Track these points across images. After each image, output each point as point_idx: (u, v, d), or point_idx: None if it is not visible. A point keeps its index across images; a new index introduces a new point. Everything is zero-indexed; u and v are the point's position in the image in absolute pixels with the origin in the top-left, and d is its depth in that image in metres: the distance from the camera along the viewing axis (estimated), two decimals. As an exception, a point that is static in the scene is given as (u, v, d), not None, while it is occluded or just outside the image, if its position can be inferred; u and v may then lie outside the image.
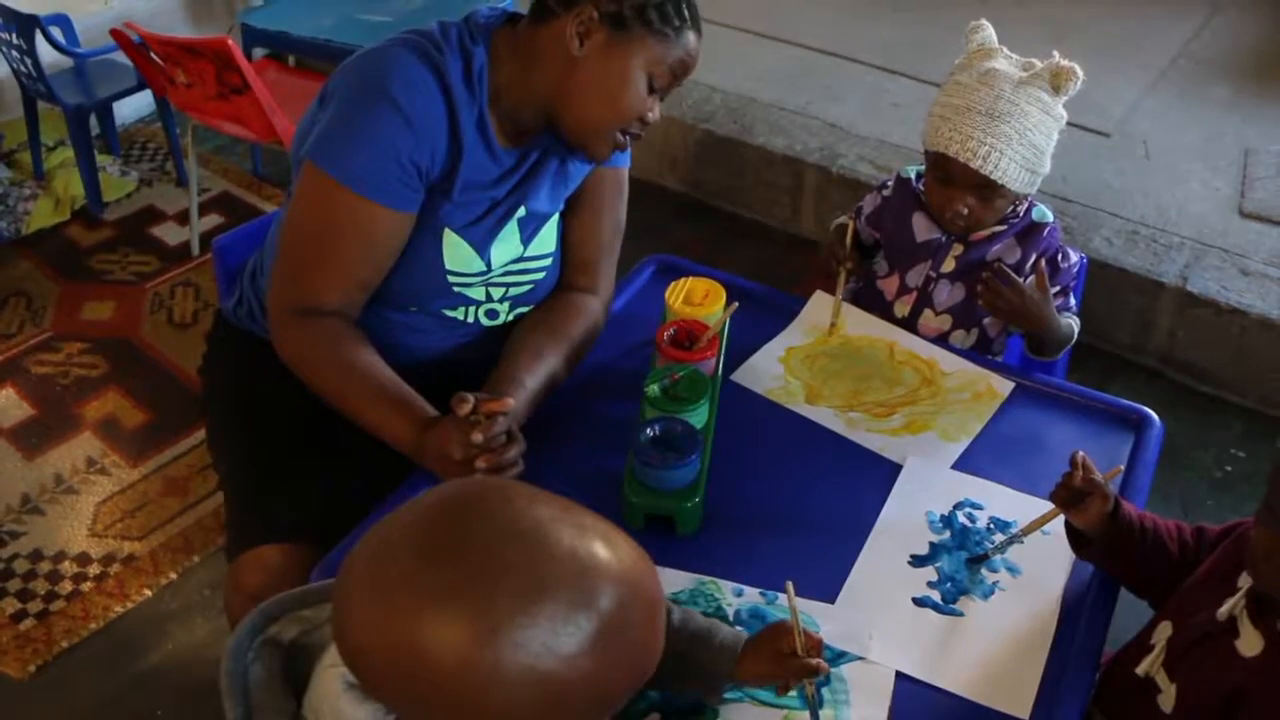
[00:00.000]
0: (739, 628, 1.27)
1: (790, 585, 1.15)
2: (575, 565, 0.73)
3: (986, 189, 1.62)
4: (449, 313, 1.56)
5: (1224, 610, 1.16)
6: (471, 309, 1.57)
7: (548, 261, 1.60)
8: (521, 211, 1.53)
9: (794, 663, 1.12)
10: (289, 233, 1.47)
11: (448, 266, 1.50)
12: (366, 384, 1.42)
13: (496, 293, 1.57)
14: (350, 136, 1.39)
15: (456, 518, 0.74)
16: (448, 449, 1.32)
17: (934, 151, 1.65)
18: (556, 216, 1.60)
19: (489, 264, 1.53)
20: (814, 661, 1.12)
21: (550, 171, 1.55)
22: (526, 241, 1.56)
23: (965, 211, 1.65)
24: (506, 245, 1.54)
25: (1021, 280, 1.64)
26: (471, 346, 1.60)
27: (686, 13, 1.42)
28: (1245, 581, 1.18)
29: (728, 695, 1.20)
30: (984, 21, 1.68)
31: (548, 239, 1.59)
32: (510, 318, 1.60)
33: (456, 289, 1.53)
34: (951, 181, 1.64)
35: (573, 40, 1.39)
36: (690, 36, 1.43)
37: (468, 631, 0.70)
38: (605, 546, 0.75)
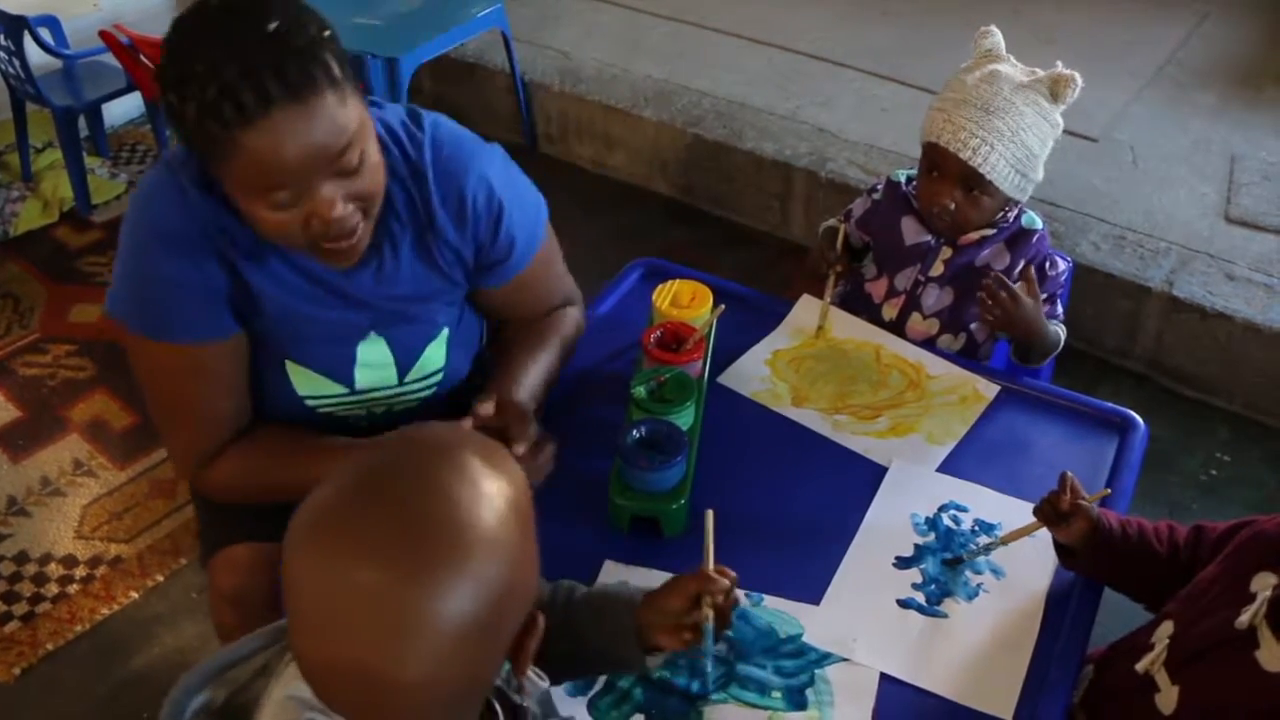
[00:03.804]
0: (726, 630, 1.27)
1: (710, 514, 1.16)
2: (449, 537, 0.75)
3: (975, 183, 1.63)
4: (339, 424, 1.44)
5: (1244, 619, 1.13)
6: (359, 420, 1.45)
7: (437, 379, 1.44)
8: (371, 336, 1.36)
9: (698, 583, 1.10)
10: (144, 392, 1.36)
11: (302, 394, 1.38)
12: (311, 457, 1.32)
13: (379, 409, 1.44)
14: (132, 285, 1.26)
15: (375, 483, 0.77)
16: None
17: (926, 143, 1.66)
18: (444, 337, 1.42)
19: (353, 389, 1.39)
20: (713, 571, 1.10)
21: (398, 282, 1.33)
22: (404, 371, 1.41)
23: (951, 206, 1.65)
24: (374, 371, 1.39)
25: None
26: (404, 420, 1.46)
27: (229, 112, 1.06)
28: (1260, 587, 1.16)
29: (714, 697, 1.20)
30: (993, 28, 1.69)
31: (432, 361, 1.42)
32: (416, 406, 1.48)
33: (323, 410, 1.40)
34: (940, 174, 1.65)
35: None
36: (246, 137, 1.08)
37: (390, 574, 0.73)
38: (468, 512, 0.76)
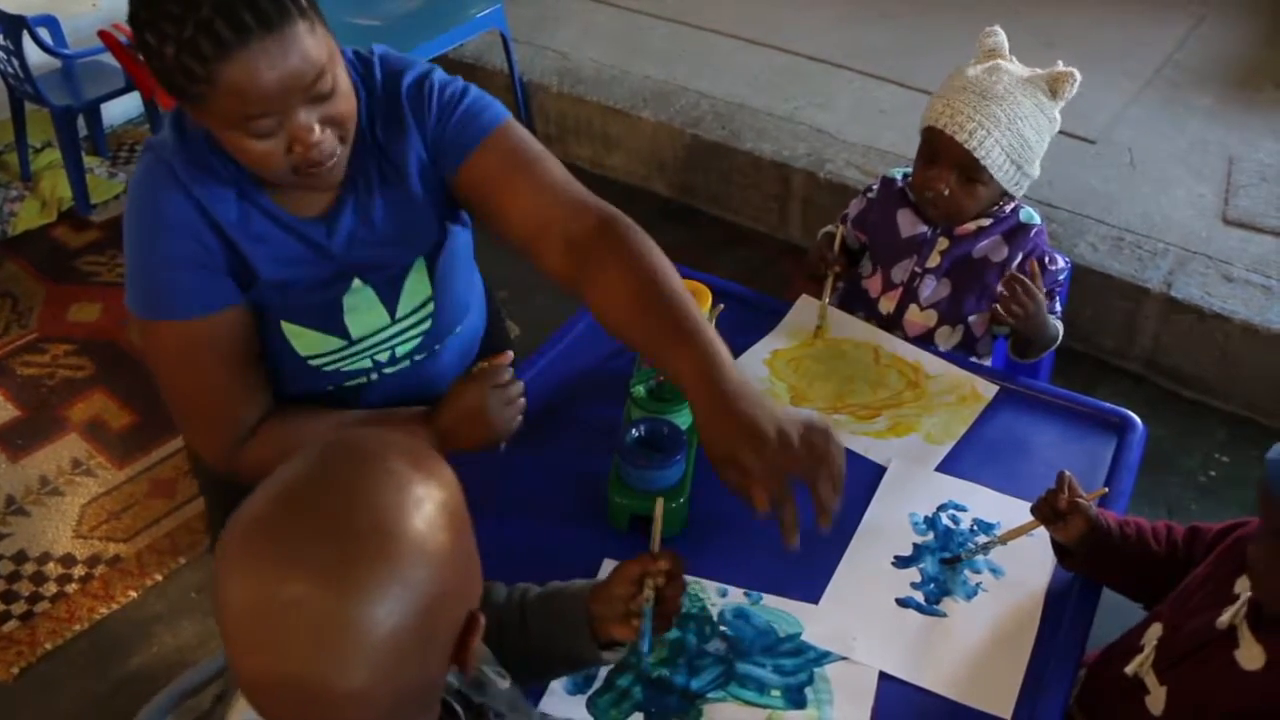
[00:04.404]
0: (724, 627, 1.28)
1: (660, 501, 1.18)
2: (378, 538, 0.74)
3: (970, 169, 1.64)
4: (349, 383, 1.45)
5: (1224, 619, 1.15)
6: (366, 374, 1.45)
7: (429, 309, 1.45)
8: (356, 283, 1.38)
9: (639, 566, 1.11)
10: (163, 388, 1.36)
11: (302, 354, 1.39)
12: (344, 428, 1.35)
13: (381, 355, 1.45)
14: (136, 270, 1.30)
15: (300, 491, 0.77)
16: (470, 404, 1.34)
17: (924, 128, 1.68)
18: (421, 264, 1.42)
19: (350, 338, 1.40)
20: (657, 554, 1.11)
21: (374, 217, 1.36)
22: (392, 306, 1.42)
23: (945, 192, 1.66)
24: (365, 316, 1.40)
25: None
26: (412, 381, 1.50)
27: (207, 47, 1.09)
28: (1243, 588, 1.17)
29: (711, 695, 1.20)
30: (997, 28, 1.72)
31: (417, 290, 1.43)
32: (421, 356, 1.49)
33: (328, 368, 1.41)
34: (936, 159, 1.66)
35: (190, 115, 1.23)
36: (225, 69, 1.10)
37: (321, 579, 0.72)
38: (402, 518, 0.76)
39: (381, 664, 0.73)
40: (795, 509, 1.10)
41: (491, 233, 1.39)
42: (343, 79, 1.22)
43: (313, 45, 1.16)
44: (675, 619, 1.15)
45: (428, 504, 0.77)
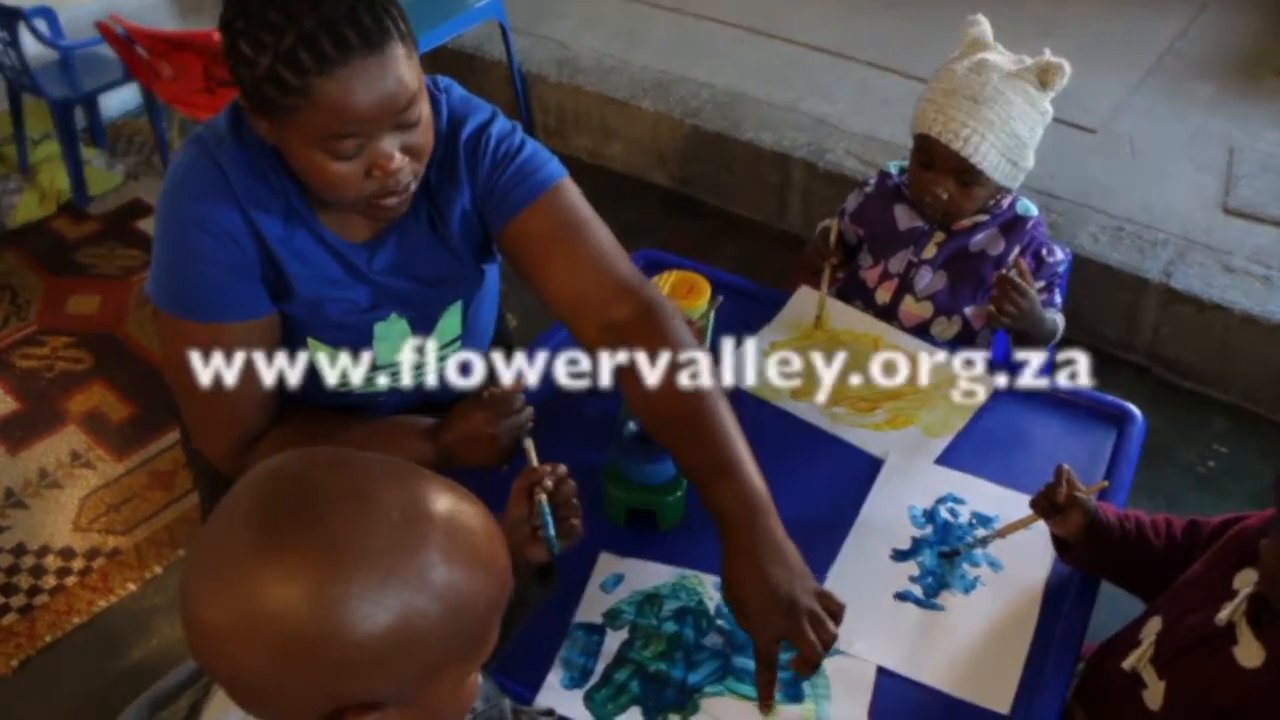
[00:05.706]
0: (721, 621, 1.28)
1: (529, 440, 1.22)
2: (401, 529, 0.73)
3: (966, 174, 1.63)
4: (358, 402, 1.45)
5: (1223, 615, 1.15)
6: (376, 397, 1.46)
7: (455, 347, 1.47)
8: (392, 316, 1.37)
9: (524, 480, 1.13)
10: (175, 383, 1.34)
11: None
12: (351, 441, 1.34)
13: (399, 381, 1.46)
14: (167, 265, 1.27)
15: (284, 490, 0.74)
16: (477, 428, 1.32)
17: (918, 134, 1.66)
18: (458, 306, 1.43)
19: (375, 362, 1.41)
20: (537, 467, 1.13)
21: (416, 255, 1.35)
22: (422, 342, 1.43)
23: (945, 197, 1.66)
24: (392, 344, 1.40)
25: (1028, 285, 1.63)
26: (417, 395, 1.49)
27: (308, 60, 1.08)
28: (1242, 584, 1.17)
29: (708, 689, 1.20)
30: (980, 16, 1.70)
31: (449, 329, 1.44)
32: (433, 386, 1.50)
33: (342, 389, 1.42)
34: (933, 165, 1.65)
35: (259, 128, 1.19)
36: (323, 84, 1.09)
37: (310, 585, 0.70)
38: (425, 499, 0.75)
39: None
40: (776, 678, 1.13)
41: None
42: (427, 111, 1.21)
43: (408, 71, 1.15)
44: (576, 520, 1.14)
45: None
